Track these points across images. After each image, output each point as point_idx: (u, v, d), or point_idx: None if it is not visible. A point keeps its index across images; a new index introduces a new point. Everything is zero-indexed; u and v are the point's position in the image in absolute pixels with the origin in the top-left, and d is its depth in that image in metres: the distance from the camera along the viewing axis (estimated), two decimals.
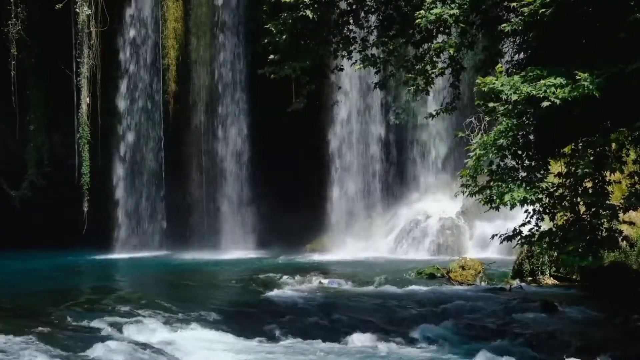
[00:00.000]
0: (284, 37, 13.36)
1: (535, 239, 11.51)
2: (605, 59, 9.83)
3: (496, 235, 11.87)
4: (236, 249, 29.82)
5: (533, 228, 11.66)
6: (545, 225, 11.89)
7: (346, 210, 31.08)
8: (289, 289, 19.12)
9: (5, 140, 32.12)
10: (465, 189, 11.17)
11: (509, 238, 11.70)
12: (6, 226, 28.95)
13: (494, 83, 10.36)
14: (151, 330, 14.14)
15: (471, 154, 10.94)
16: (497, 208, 10.81)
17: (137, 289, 20.75)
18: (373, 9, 14.24)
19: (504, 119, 10.45)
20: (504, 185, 10.68)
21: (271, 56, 13.83)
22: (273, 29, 13.48)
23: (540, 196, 10.77)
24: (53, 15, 28.85)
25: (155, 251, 30.93)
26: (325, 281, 20.29)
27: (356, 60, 14.12)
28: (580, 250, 10.76)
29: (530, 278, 19.34)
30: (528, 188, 10.59)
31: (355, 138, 31.59)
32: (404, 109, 31.39)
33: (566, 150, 11.68)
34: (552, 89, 9.72)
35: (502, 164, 10.96)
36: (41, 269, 25.16)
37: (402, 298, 17.72)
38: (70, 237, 28.59)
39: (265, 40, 13.75)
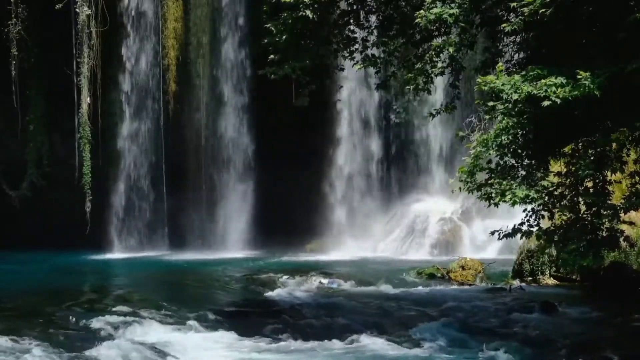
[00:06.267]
0: (284, 37, 13.35)
1: (535, 232, 11.52)
2: (605, 59, 9.83)
3: (496, 231, 11.85)
4: (236, 249, 29.81)
5: (532, 225, 11.66)
6: (545, 225, 11.89)
7: (346, 210, 31.09)
8: (289, 289, 19.13)
9: (5, 140, 32.09)
10: (463, 185, 11.15)
11: (507, 235, 11.69)
12: (6, 226, 28.93)
13: (494, 82, 10.36)
14: (151, 330, 14.15)
15: (471, 151, 10.94)
16: (497, 205, 10.80)
17: (137, 289, 20.74)
18: (373, 9, 14.24)
19: (504, 117, 10.45)
20: (504, 183, 10.69)
21: (271, 56, 13.83)
22: (273, 29, 13.48)
23: (541, 194, 10.77)
24: (53, 15, 28.84)
25: (155, 251, 30.89)
26: (325, 281, 20.29)
27: (357, 61, 14.12)
28: (581, 249, 10.77)
29: (530, 278, 19.34)
30: (529, 187, 10.59)
31: (355, 137, 31.59)
32: (404, 108, 31.40)
33: (566, 149, 11.68)
34: (553, 88, 9.72)
35: (501, 162, 10.96)
36: (41, 269, 25.15)
37: (402, 298, 17.73)
38: (70, 237, 28.56)
39: (265, 41, 13.75)
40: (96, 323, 14.38)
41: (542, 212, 11.62)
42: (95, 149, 30.79)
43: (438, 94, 22.60)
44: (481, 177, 11.14)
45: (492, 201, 10.77)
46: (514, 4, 10.72)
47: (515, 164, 11.01)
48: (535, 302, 16.29)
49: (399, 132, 31.81)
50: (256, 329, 14.41)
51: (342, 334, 14.02)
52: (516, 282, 19.13)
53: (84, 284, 22.90)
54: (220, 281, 21.97)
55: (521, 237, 11.90)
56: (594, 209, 11.08)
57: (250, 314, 15.96)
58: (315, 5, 12.88)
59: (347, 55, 14.45)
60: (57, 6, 28.46)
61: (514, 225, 11.74)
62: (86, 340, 13.06)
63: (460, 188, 11.23)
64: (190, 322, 14.80)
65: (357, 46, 14.28)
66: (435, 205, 29.91)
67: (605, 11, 10.10)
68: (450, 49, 11.90)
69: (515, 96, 10.09)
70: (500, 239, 11.91)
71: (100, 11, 30.12)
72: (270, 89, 23.01)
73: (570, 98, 9.65)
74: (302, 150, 29.96)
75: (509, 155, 10.84)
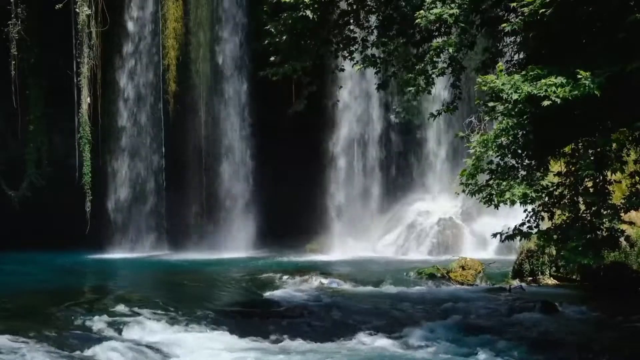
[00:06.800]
0: (284, 37, 13.35)
1: (534, 233, 11.53)
2: (605, 59, 9.83)
3: (498, 233, 11.86)
4: (236, 249, 29.81)
5: (532, 226, 11.67)
6: (545, 226, 11.90)
7: (346, 210, 31.10)
8: (289, 289, 19.13)
9: (6, 140, 32.11)
10: (465, 188, 11.17)
11: (509, 237, 11.70)
12: (6, 226, 28.93)
13: (494, 82, 10.36)
14: (151, 330, 14.16)
15: (470, 151, 10.94)
16: (497, 206, 10.80)
17: (137, 289, 20.76)
18: (373, 9, 14.23)
19: (504, 118, 10.45)
20: (504, 183, 10.70)
21: (272, 57, 13.83)
22: (273, 30, 13.48)
23: (540, 194, 10.78)
24: (53, 15, 28.85)
25: (155, 251, 30.93)
26: (325, 281, 20.29)
27: (357, 61, 14.11)
28: (580, 248, 10.77)
29: (530, 278, 19.34)
30: (528, 186, 10.60)
31: (356, 138, 31.61)
32: (404, 108, 31.41)
33: (566, 149, 11.69)
34: (553, 88, 9.73)
35: (502, 162, 10.96)
36: (41, 269, 25.15)
37: (402, 298, 17.73)
38: (70, 237, 28.56)
39: (266, 42, 13.75)
40: (96, 323, 14.39)
41: (542, 213, 11.62)
42: (94, 149, 30.81)
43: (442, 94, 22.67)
44: (482, 178, 11.14)
45: (492, 203, 10.77)
46: (514, 4, 10.72)
47: (516, 164, 11.01)
48: (535, 302, 16.28)
49: (398, 132, 31.84)
50: (256, 329, 14.41)
51: (342, 334, 14.02)
52: (516, 282, 19.12)
53: (84, 284, 22.92)
54: (220, 281, 21.98)
55: (520, 239, 11.91)
56: (593, 208, 11.09)
57: (251, 314, 15.96)
58: (315, 5, 12.88)
59: (347, 55, 14.46)
60: (57, 6, 28.47)
61: (515, 226, 11.74)
62: (86, 340, 13.05)
63: (463, 191, 11.23)
64: (190, 322, 14.81)
65: (357, 46, 14.27)
66: (435, 205, 29.94)
67: (605, 11, 10.10)
68: (451, 50, 11.90)
69: (515, 96, 10.09)
70: (503, 241, 11.92)
71: (100, 11, 30.14)
72: (271, 89, 22.99)
73: (570, 98, 9.65)
74: (302, 151, 29.96)
75: (509, 155, 10.85)
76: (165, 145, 31.57)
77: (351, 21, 14.26)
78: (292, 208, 29.82)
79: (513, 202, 10.53)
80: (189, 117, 31.79)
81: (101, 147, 31.25)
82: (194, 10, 31.62)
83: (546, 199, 11.27)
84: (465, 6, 11.48)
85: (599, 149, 10.61)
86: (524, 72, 10.33)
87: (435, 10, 11.49)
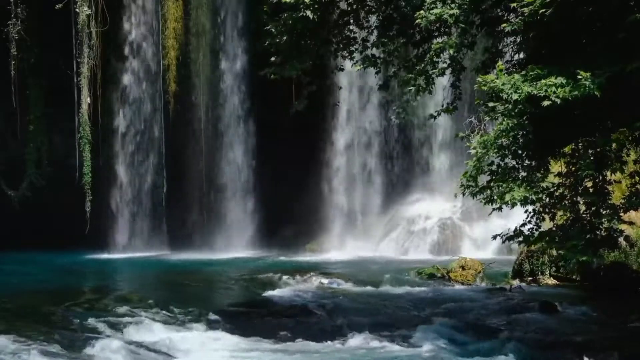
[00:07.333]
0: (284, 37, 13.36)
1: (535, 238, 11.54)
2: (605, 59, 9.83)
3: (498, 235, 11.87)
4: (236, 249, 29.83)
5: (533, 228, 11.68)
6: (545, 226, 11.90)
7: (346, 211, 31.10)
8: (289, 289, 19.13)
9: (6, 140, 32.12)
10: (466, 190, 11.16)
11: (510, 238, 11.71)
12: (6, 227, 28.94)
13: (494, 82, 10.36)
14: (151, 330, 14.15)
15: (471, 151, 10.94)
16: (500, 208, 10.80)
17: (137, 289, 20.76)
18: (373, 9, 14.24)
19: (504, 118, 10.45)
20: (504, 185, 10.69)
21: (272, 58, 13.83)
22: (273, 30, 13.49)
23: (540, 195, 10.78)
24: (53, 15, 28.87)
25: (155, 251, 30.93)
26: (325, 281, 20.29)
27: (357, 61, 14.11)
28: (579, 247, 10.78)
29: (530, 278, 19.34)
30: (529, 188, 10.60)
31: (355, 138, 31.61)
32: (404, 108, 31.39)
33: (566, 150, 11.69)
34: (553, 88, 9.73)
35: (502, 163, 10.96)
36: (41, 269, 25.16)
37: (402, 298, 17.73)
38: (70, 237, 28.58)
39: (266, 43, 13.76)
40: (96, 323, 14.38)
41: (543, 214, 11.63)
42: (94, 149, 30.82)
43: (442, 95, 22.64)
44: (483, 179, 11.14)
45: (493, 205, 10.78)
46: (514, 4, 10.72)
47: (516, 165, 11.01)
48: (535, 302, 16.28)
49: (399, 132, 31.83)
50: (256, 329, 14.42)
51: (342, 334, 14.02)
52: (516, 282, 19.13)
53: (84, 284, 22.93)
54: (220, 281, 21.98)
55: (519, 244, 11.93)
56: (593, 208, 11.10)
57: (251, 314, 15.95)
58: (316, 6, 12.89)
59: (347, 55, 14.46)
60: (57, 6, 28.48)
61: (515, 227, 11.74)
62: (86, 340, 13.05)
63: (463, 193, 11.23)
64: (191, 322, 14.83)
65: (357, 46, 14.28)
66: (435, 205, 29.91)
67: (605, 11, 10.10)
68: (451, 50, 11.90)
69: (515, 96, 10.08)
70: (503, 242, 11.92)
71: (100, 11, 30.14)
72: (271, 89, 23.01)
73: (570, 98, 9.65)
74: (302, 151, 29.97)
75: (510, 156, 10.85)
76: (165, 145, 31.59)
77: (351, 21, 14.27)
78: (292, 208, 29.82)
79: (513, 205, 10.53)
80: (189, 117, 31.80)
81: (101, 147, 31.26)
82: (194, 10, 31.63)
83: (546, 199, 11.27)
84: (465, 6, 11.48)
85: (599, 149, 10.61)
86: (524, 72, 10.33)
87: (435, 11, 11.48)
